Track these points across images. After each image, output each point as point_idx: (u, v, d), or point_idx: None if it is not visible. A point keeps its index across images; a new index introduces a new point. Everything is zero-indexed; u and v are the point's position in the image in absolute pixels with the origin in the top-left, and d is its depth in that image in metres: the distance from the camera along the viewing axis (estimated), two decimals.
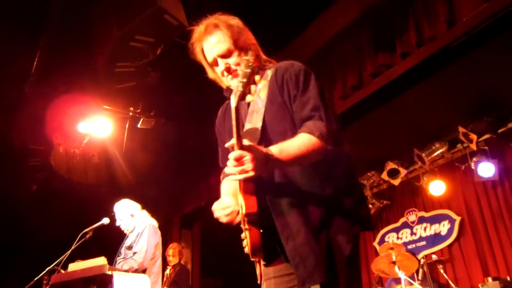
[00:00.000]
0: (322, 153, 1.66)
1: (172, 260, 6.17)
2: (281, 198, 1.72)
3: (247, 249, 1.77)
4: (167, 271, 5.99)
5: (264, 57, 1.97)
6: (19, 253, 7.67)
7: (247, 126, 1.81)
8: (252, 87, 1.49)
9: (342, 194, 1.72)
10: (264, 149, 1.59)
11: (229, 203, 1.83)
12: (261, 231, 1.71)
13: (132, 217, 4.42)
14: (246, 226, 1.71)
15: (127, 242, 4.24)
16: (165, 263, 5.87)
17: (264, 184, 1.73)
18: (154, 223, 4.44)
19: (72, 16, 4.81)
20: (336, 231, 1.67)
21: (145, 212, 4.55)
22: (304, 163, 1.68)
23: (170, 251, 6.21)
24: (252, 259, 1.82)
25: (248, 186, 1.68)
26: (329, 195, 1.70)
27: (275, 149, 1.60)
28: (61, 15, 4.68)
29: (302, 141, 1.63)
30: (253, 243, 1.72)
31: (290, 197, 1.71)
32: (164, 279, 5.71)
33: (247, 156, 1.52)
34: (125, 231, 4.44)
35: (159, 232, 4.39)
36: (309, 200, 1.70)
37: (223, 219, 1.82)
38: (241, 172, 1.54)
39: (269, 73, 1.87)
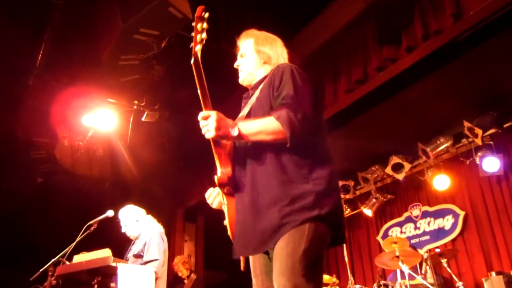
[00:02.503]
0: (279, 136, 1.76)
1: (182, 274, 6.28)
2: (244, 176, 1.89)
3: (229, 231, 1.89)
4: (186, 281, 6.17)
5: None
6: (24, 245, 7.72)
7: (240, 114, 2.08)
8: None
9: (303, 182, 1.78)
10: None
11: (211, 189, 2.08)
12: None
13: (137, 223, 4.41)
14: (225, 200, 1.90)
15: (134, 250, 4.21)
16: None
17: (237, 157, 1.94)
18: (160, 228, 4.41)
19: (76, 8, 4.80)
20: (285, 215, 1.72)
21: (150, 217, 4.52)
22: (264, 139, 1.81)
23: (175, 267, 6.32)
24: (234, 243, 1.89)
25: (224, 154, 1.91)
26: (287, 180, 1.78)
27: (241, 120, 1.85)
28: (65, 7, 4.67)
29: (265, 120, 1.81)
30: (231, 221, 1.85)
31: (251, 176, 1.86)
32: None
33: (212, 117, 1.77)
34: (130, 237, 4.42)
35: (165, 238, 4.37)
36: (267, 181, 1.81)
37: (213, 205, 2.07)
38: (204, 131, 1.78)
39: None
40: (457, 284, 4.88)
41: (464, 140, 6.52)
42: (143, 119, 6.13)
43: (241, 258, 1.93)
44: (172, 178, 7.97)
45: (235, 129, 1.77)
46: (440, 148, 6.56)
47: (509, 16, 3.87)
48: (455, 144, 6.64)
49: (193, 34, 1.84)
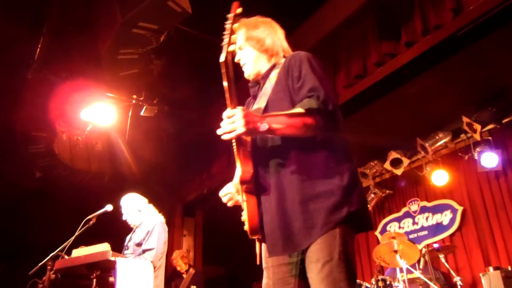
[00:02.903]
0: (311, 128, 1.74)
1: (181, 268, 6.32)
2: (268, 174, 1.82)
3: (246, 226, 1.85)
4: (184, 275, 6.20)
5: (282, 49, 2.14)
6: (23, 239, 7.73)
7: (255, 106, 2.00)
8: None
9: (329, 177, 1.75)
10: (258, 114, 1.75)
11: (227, 188, 2.03)
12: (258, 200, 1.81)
13: (139, 212, 4.40)
14: (244, 197, 1.83)
15: (136, 238, 4.20)
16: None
17: (258, 155, 1.86)
18: (162, 219, 4.40)
19: (75, 2, 4.79)
20: (315, 217, 1.69)
21: (151, 206, 4.52)
22: (294, 133, 1.76)
23: (174, 262, 6.35)
24: (251, 237, 1.87)
25: (244, 152, 1.82)
26: (313, 177, 1.75)
27: (268, 114, 1.76)
28: (64, 1, 4.65)
29: (293, 112, 1.75)
30: (250, 216, 1.81)
31: (276, 174, 1.80)
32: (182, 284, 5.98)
33: (239, 114, 1.67)
34: (131, 226, 4.42)
35: (167, 228, 4.37)
36: (292, 179, 1.77)
37: (228, 203, 2.01)
38: (232, 130, 1.67)
39: (282, 62, 2.05)
40: (454, 279, 4.90)
41: (462, 136, 6.53)
42: (141, 113, 6.12)
43: (257, 253, 1.92)
44: (171, 172, 7.97)
45: (264, 124, 1.69)
46: (439, 143, 6.57)
47: (509, 11, 3.86)
48: (454, 140, 6.65)
49: (226, 33, 1.76)
